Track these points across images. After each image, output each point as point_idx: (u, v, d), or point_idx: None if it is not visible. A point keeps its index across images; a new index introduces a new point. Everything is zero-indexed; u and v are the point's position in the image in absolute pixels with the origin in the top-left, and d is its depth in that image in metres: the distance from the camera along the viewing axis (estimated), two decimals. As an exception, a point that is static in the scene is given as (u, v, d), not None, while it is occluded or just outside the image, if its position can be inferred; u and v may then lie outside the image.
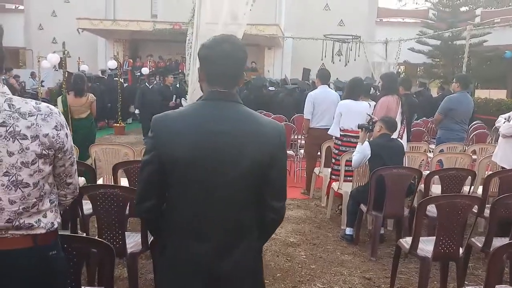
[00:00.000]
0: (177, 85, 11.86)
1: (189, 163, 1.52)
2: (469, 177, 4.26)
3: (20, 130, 1.53)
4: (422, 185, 4.40)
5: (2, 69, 1.64)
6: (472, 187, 4.48)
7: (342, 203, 4.79)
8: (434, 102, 10.55)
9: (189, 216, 1.58)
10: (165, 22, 16.62)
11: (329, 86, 6.42)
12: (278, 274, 3.61)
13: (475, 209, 3.34)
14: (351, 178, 4.68)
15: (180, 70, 16.25)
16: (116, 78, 12.59)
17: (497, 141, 4.87)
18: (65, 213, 3.15)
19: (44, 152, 1.58)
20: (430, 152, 6.10)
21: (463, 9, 19.50)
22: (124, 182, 3.92)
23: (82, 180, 4.24)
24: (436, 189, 4.43)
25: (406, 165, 4.53)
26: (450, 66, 18.56)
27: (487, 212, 3.58)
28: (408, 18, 23.05)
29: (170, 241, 1.64)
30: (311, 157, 6.14)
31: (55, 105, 5.99)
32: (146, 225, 2.28)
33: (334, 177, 5.17)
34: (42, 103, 1.64)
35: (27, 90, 14.55)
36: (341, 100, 5.44)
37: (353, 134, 4.96)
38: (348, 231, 4.38)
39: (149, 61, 17.86)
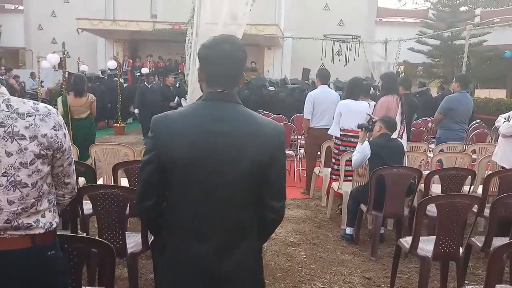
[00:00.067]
0: (177, 85, 11.87)
1: (189, 163, 1.52)
2: (469, 176, 4.26)
3: (19, 131, 1.53)
4: (422, 185, 4.40)
5: None
6: (472, 186, 4.48)
7: (342, 202, 4.80)
8: (434, 102, 10.54)
9: (189, 216, 1.58)
10: (165, 22, 16.62)
11: (329, 86, 6.42)
12: (278, 274, 3.62)
13: (475, 208, 3.34)
14: (351, 178, 4.68)
15: (179, 70, 16.24)
16: (116, 78, 12.59)
17: (497, 141, 4.87)
18: (66, 213, 3.16)
19: (42, 152, 1.59)
20: (430, 151, 6.10)
21: (462, 9, 19.52)
22: (124, 182, 3.92)
23: (82, 180, 4.24)
24: (436, 188, 4.43)
25: (406, 165, 4.53)
26: (450, 66, 18.57)
27: (487, 211, 3.58)
28: (408, 18, 23.06)
29: (170, 241, 1.64)
30: (311, 157, 6.15)
31: (55, 105, 5.99)
32: (146, 225, 2.28)
33: (334, 176, 5.17)
34: (40, 103, 1.64)
35: (26, 91, 14.53)
36: (341, 100, 5.45)
37: (353, 134, 4.96)
38: (348, 230, 4.38)
39: (149, 61, 17.87)
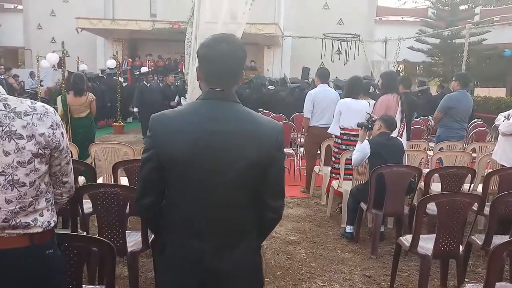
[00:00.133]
0: (177, 84, 11.87)
1: (187, 162, 1.52)
2: (469, 175, 4.26)
3: (16, 130, 1.53)
4: (422, 183, 4.40)
5: None
6: (472, 185, 4.48)
7: (342, 201, 4.80)
8: (433, 100, 10.55)
9: (188, 214, 1.58)
10: (164, 22, 16.62)
11: (328, 85, 6.42)
12: (278, 272, 3.62)
13: (475, 207, 3.34)
14: (351, 177, 4.69)
15: (179, 69, 16.24)
16: (115, 78, 12.59)
17: (497, 139, 4.88)
18: (66, 212, 3.16)
19: (40, 151, 1.58)
20: (430, 150, 6.10)
21: (462, 7, 19.53)
22: (124, 181, 3.92)
23: (82, 179, 4.24)
24: (436, 187, 4.44)
25: (406, 163, 4.53)
26: (450, 65, 18.59)
27: (487, 210, 3.58)
28: (408, 17, 23.06)
29: (170, 239, 1.64)
30: (311, 155, 6.15)
31: (55, 104, 6.00)
32: (145, 223, 2.28)
33: (334, 175, 5.17)
34: (38, 102, 1.64)
35: (26, 90, 14.53)
36: (340, 98, 5.45)
37: (353, 133, 4.96)
38: (348, 229, 4.39)
39: (148, 60, 17.84)
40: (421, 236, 3.16)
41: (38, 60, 12.03)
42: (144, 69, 15.31)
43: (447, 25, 16.91)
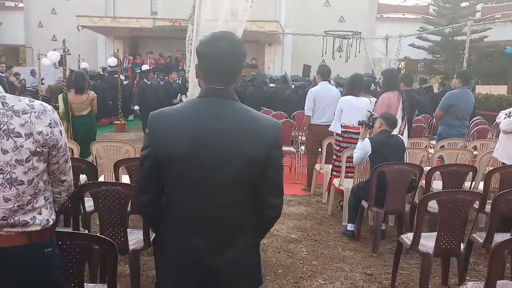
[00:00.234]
0: (179, 82, 11.85)
1: (185, 159, 1.52)
2: (470, 173, 4.26)
3: (14, 128, 1.53)
4: (423, 181, 4.39)
5: None
6: (473, 182, 4.48)
7: (343, 199, 4.80)
8: (435, 98, 10.53)
9: (187, 212, 1.58)
10: (165, 19, 16.60)
11: (329, 82, 6.41)
12: (279, 270, 3.62)
13: (476, 204, 3.34)
14: (352, 174, 4.68)
15: (180, 67, 16.23)
16: (116, 75, 12.60)
17: (498, 137, 4.87)
18: (67, 210, 3.17)
19: (38, 149, 1.59)
20: (431, 148, 6.10)
21: (463, 4, 19.44)
22: (125, 179, 3.92)
23: (83, 178, 4.25)
24: (437, 185, 4.43)
25: (407, 161, 4.52)
26: (451, 62, 18.53)
27: (488, 207, 3.57)
28: (409, 14, 22.95)
29: (169, 236, 1.64)
30: (312, 153, 6.14)
31: (56, 102, 6.00)
32: (145, 220, 2.29)
33: (335, 173, 5.17)
34: (36, 100, 1.64)
35: (27, 88, 14.54)
36: (341, 96, 5.44)
37: (354, 130, 4.96)
38: (349, 227, 4.39)
39: (149, 58, 17.84)
40: (422, 234, 3.16)
41: (39, 58, 12.05)
42: (145, 67, 15.31)
43: (448, 22, 16.87)
